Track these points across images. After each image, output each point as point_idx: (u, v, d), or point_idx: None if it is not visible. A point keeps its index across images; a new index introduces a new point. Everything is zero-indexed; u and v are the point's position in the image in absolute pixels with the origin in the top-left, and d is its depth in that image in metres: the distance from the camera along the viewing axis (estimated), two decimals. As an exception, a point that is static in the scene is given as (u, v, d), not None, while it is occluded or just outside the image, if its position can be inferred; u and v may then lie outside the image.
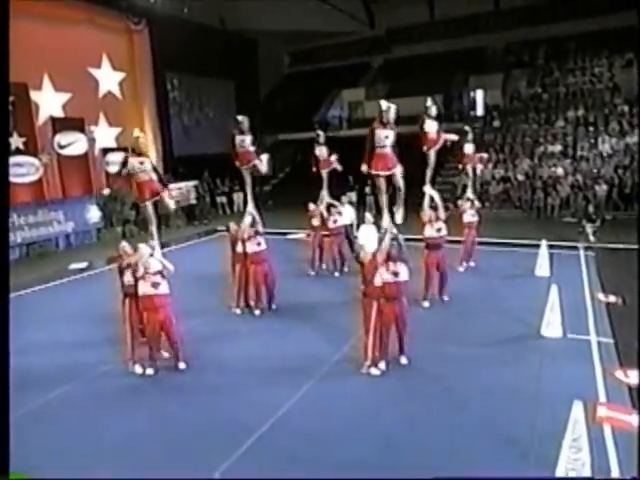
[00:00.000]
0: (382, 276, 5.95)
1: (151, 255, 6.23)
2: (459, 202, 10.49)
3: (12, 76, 13.68)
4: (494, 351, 6.51)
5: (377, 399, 5.53)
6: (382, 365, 6.03)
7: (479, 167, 11.14)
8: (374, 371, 5.97)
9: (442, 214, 8.54)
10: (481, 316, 7.77)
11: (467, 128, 9.70)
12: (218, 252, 10.01)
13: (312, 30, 24.06)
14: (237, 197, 19.50)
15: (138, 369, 6.25)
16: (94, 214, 15.04)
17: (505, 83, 21.71)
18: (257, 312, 8.28)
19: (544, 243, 9.72)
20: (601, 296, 8.18)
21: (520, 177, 16.06)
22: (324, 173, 10.59)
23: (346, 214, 10.67)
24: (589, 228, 11.80)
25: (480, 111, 22.58)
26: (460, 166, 10.93)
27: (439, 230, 8.37)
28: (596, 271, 9.61)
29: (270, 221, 11.38)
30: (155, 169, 6.73)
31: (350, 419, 5.13)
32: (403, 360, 6.25)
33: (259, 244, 8.13)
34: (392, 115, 6.10)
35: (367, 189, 17.10)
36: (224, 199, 19.21)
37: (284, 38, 25.50)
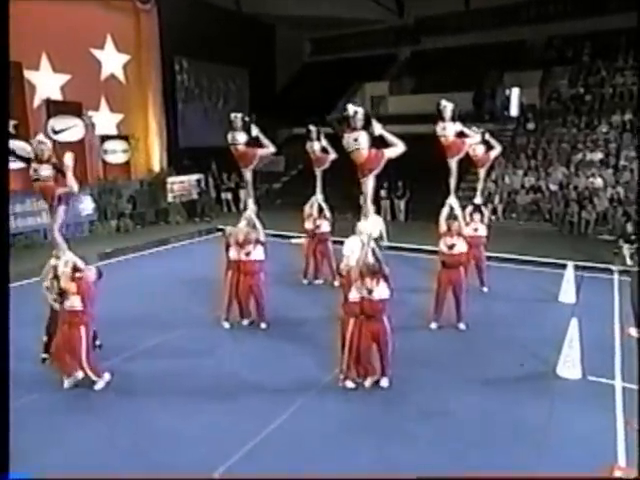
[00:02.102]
0: (357, 292, 5.79)
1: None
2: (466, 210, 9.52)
3: (6, 55, 13.74)
4: (496, 390, 6.02)
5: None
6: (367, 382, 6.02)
7: (486, 167, 10.53)
8: (349, 384, 5.97)
9: (462, 227, 8.02)
10: (489, 346, 7.28)
11: (475, 129, 9.06)
12: (217, 253, 9.70)
13: (335, 17, 23.58)
14: (243, 194, 19.24)
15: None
16: (87, 205, 14.89)
17: (543, 81, 20.89)
18: (245, 322, 8.08)
19: (570, 265, 9.12)
20: (633, 331, 7.55)
21: (553, 187, 15.32)
22: (318, 172, 10.24)
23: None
24: (626, 249, 11.07)
25: (515, 111, 21.83)
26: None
27: (452, 247, 7.85)
28: (630, 300, 8.94)
29: (275, 222, 11.11)
30: (58, 169, 6.31)
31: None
32: (383, 382, 6.06)
33: (251, 254, 7.75)
34: (359, 120, 5.80)
35: (382, 192, 16.60)
36: (229, 195, 18.93)
37: (304, 24, 25.09)
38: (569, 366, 6.26)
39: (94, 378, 6.03)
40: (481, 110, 20.70)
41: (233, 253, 7.90)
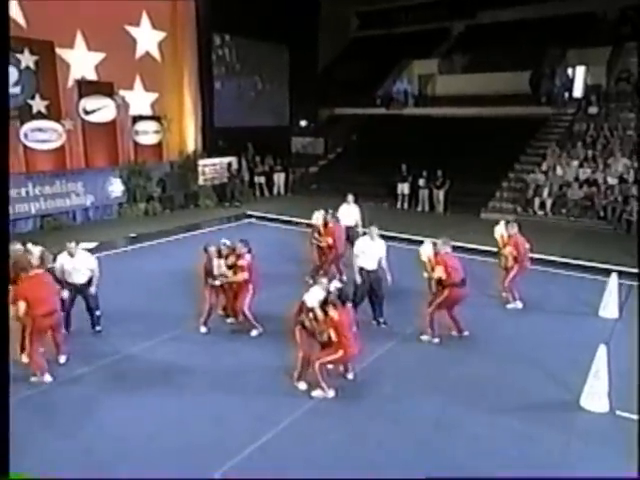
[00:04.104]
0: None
1: None
2: None
3: (39, 33, 13.97)
4: (506, 419, 5.54)
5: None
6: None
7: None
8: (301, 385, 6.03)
9: None
10: (506, 364, 6.74)
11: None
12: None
13: (385, -12, 22.74)
14: (278, 178, 19.09)
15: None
16: (117, 188, 15.16)
17: (612, 59, 19.37)
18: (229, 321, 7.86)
19: (614, 274, 8.34)
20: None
21: (611, 180, 14.19)
22: None
23: (350, 215, 10.09)
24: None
25: (578, 92, 20.39)
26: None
27: None
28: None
29: (305, 208, 10.73)
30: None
31: None
32: (350, 376, 6.15)
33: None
34: None
35: (421, 181, 15.96)
36: (262, 179, 18.78)
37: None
38: (594, 398, 5.69)
39: None
40: (538, 92, 19.45)
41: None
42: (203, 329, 7.55)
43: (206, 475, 4.65)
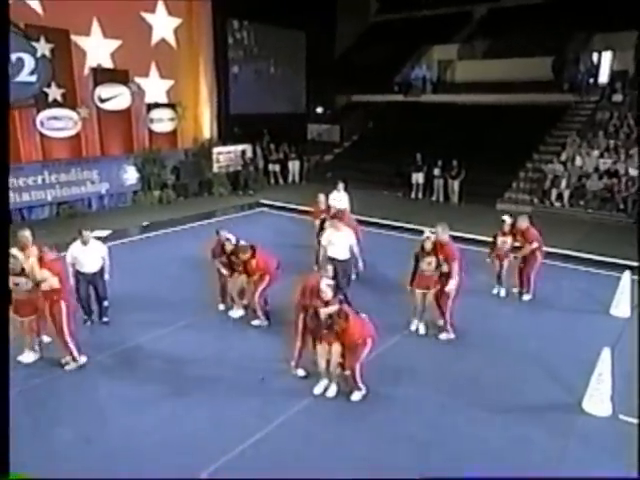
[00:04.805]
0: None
1: None
2: None
3: (55, 20, 14.06)
4: (503, 420, 5.45)
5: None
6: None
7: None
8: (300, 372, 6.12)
9: None
10: (509, 363, 6.62)
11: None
12: (259, 231, 9.35)
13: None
14: (292, 166, 19.02)
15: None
16: (131, 175, 15.29)
17: (641, 43, 18.62)
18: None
19: (627, 272, 8.11)
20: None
21: (633, 171, 13.74)
22: None
23: (340, 201, 10.39)
24: None
25: (604, 78, 19.74)
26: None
27: None
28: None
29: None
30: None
31: None
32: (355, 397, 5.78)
33: None
34: None
35: (436, 171, 15.71)
36: (277, 167, 18.72)
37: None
38: (596, 401, 5.56)
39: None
40: (561, 78, 18.88)
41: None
42: (221, 306, 7.93)
43: (199, 470, 4.70)
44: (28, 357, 6.42)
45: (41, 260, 6.16)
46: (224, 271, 7.68)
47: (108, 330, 7.41)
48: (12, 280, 5.85)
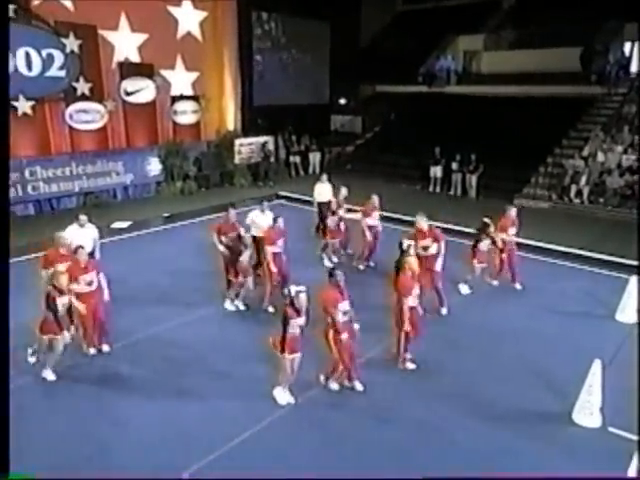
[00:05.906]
0: None
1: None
2: None
3: (82, 17, 14.29)
4: (492, 429, 5.41)
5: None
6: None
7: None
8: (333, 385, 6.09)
9: None
10: (501, 368, 6.55)
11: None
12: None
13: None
14: (313, 157, 18.98)
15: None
16: (155, 167, 15.56)
17: (675, 33, 17.73)
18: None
19: (634, 276, 7.84)
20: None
21: (657, 168, 13.24)
22: None
23: (324, 192, 11.03)
24: None
25: (635, 69, 18.93)
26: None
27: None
28: None
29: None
30: None
31: None
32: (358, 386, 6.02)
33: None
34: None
35: (454, 165, 15.45)
36: (298, 159, 18.71)
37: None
38: (586, 413, 5.47)
39: None
40: (589, 70, 18.17)
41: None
42: (227, 303, 8.19)
43: (190, 467, 4.83)
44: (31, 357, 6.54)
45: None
46: (226, 252, 7.94)
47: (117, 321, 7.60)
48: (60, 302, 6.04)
